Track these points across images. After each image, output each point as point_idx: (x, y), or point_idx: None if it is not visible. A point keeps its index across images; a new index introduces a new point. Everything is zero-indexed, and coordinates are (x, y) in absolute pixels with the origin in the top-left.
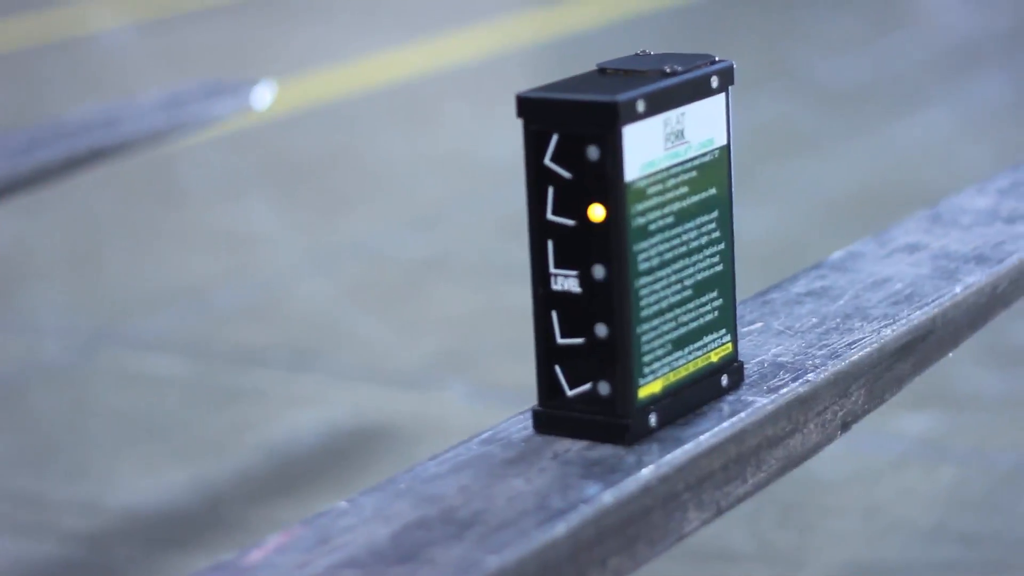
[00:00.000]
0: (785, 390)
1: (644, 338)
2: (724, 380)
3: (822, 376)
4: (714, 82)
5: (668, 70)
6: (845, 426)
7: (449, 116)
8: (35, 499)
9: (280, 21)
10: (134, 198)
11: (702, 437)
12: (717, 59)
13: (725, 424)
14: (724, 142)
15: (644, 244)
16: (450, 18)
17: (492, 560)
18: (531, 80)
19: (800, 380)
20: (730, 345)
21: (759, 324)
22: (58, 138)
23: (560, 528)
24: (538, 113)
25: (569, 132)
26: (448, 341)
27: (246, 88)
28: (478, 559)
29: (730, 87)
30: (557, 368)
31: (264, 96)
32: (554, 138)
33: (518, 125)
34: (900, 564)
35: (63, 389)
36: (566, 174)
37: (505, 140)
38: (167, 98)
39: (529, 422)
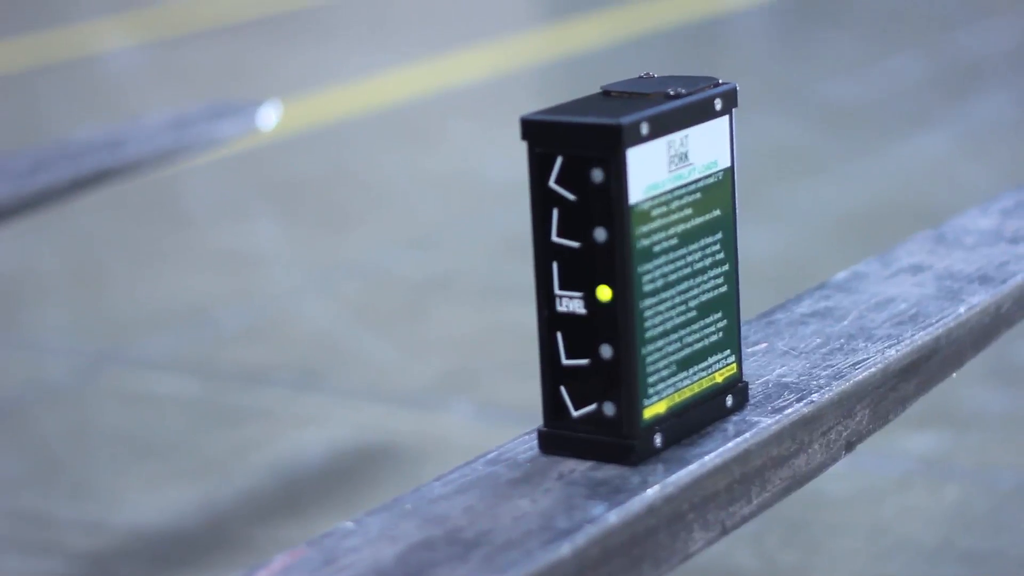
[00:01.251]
0: (790, 411)
1: (649, 359)
2: (729, 401)
3: (826, 397)
4: (717, 104)
5: (672, 93)
6: (849, 446)
7: (452, 136)
8: (41, 518)
9: (282, 40)
10: (136, 219)
11: (707, 457)
12: (720, 81)
13: (730, 444)
14: (728, 164)
15: (648, 266)
16: (453, 38)
17: None
18: (534, 100)
19: (804, 401)
20: (735, 366)
21: (764, 345)
22: (63, 160)
23: (565, 548)
24: (542, 136)
25: (573, 155)
26: (452, 361)
27: (252, 109)
28: None
29: (734, 109)
30: (562, 389)
31: (270, 117)
32: (558, 160)
33: (520, 145)
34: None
35: (67, 409)
36: (571, 196)
37: (507, 160)
38: (173, 119)
39: (534, 442)
